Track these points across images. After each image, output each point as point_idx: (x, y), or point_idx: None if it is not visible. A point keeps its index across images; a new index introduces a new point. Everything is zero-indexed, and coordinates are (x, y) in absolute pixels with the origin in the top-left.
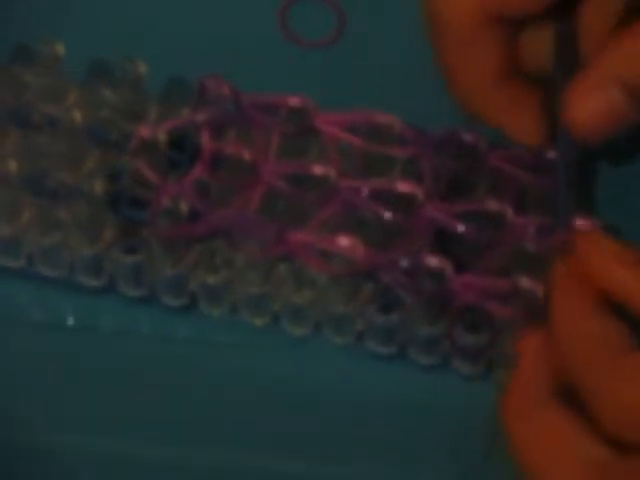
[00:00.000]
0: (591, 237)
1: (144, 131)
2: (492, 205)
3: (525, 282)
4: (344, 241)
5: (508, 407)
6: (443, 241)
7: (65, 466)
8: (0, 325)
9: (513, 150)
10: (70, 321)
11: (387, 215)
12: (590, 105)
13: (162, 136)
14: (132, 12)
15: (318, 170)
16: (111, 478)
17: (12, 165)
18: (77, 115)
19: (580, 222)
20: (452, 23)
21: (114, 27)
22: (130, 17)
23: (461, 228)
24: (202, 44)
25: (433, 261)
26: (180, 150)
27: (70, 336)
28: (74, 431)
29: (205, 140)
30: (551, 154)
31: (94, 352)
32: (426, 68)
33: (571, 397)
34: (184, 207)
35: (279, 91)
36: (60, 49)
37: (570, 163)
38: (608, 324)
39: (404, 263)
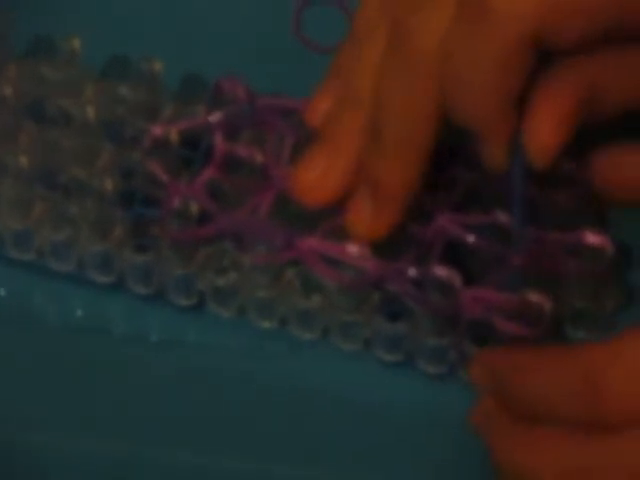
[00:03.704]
0: None
1: (156, 130)
2: (503, 218)
3: (533, 297)
4: (353, 250)
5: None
6: (454, 253)
7: (67, 468)
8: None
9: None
10: (79, 315)
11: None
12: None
13: (174, 136)
14: (149, 9)
15: None
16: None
17: (25, 159)
18: (92, 111)
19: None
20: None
21: (131, 24)
22: (147, 14)
23: (471, 239)
24: (220, 43)
25: (442, 272)
26: (195, 149)
27: (78, 332)
28: (70, 431)
29: (218, 142)
30: (567, 167)
31: (101, 351)
32: None
33: None
34: (194, 208)
35: (291, 94)
36: (77, 44)
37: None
38: None
39: (413, 273)
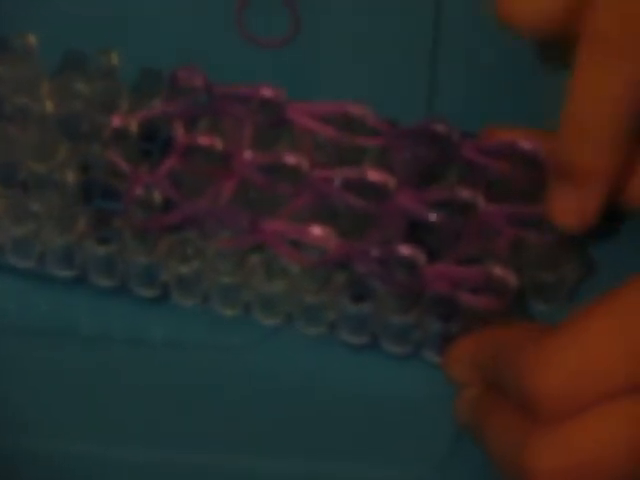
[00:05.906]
0: None
1: (116, 120)
2: (463, 193)
3: (497, 271)
4: (317, 231)
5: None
6: (415, 231)
7: (52, 473)
8: None
9: (485, 141)
10: (43, 311)
11: (359, 204)
12: None
13: (134, 126)
14: (105, 3)
15: (290, 159)
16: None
17: None
18: (49, 106)
19: None
20: None
21: (87, 19)
22: (103, 8)
23: (432, 216)
24: (175, 36)
25: (406, 250)
26: (152, 141)
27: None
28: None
29: (178, 131)
30: (524, 145)
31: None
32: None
33: None
34: (157, 197)
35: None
36: (33, 41)
37: None
38: None
39: (376, 252)
